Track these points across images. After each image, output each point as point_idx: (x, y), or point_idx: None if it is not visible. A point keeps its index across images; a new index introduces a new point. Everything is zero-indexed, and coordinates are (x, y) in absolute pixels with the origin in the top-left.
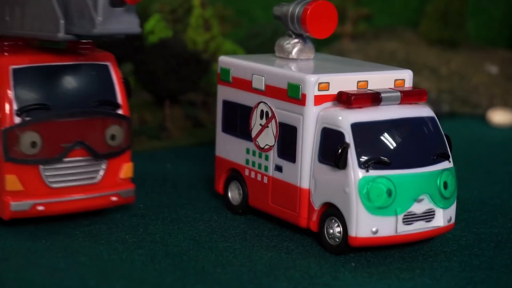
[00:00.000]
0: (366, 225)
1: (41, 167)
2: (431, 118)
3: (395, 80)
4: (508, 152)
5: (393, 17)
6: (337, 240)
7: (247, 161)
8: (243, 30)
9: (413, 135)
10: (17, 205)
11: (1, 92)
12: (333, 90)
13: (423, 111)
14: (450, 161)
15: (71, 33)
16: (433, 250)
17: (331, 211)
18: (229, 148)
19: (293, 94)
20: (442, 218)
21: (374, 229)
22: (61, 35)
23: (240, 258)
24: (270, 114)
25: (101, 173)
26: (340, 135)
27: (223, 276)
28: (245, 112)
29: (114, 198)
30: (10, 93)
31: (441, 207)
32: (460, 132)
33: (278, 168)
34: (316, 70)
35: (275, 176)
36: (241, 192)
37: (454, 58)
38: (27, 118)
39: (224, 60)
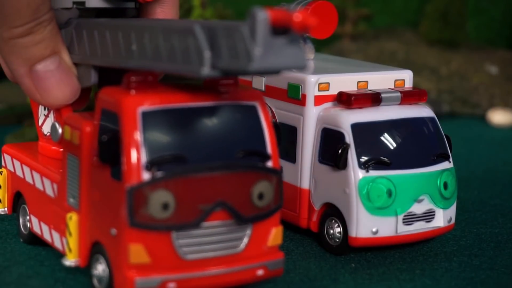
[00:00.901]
0: (366, 225)
1: (173, 234)
2: (431, 119)
3: (395, 81)
4: (508, 152)
5: (393, 17)
6: (337, 240)
7: None
8: None
9: (413, 136)
10: (143, 282)
11: (127, 140)
12: (333, 91)
13: (423, 111)
14: (450, 162)
15: (218, 68)
16: (433, 250)
17: (331, 212)
18: None
19: (293, 95)
20: (442, 218)
21: (374, 230)
22: (206, 70)
23: None
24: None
25: (245, 240)
26: (340, 135)
27: None
28: None
29: (260, 272)
30: (138, 142)
31: (441, 208)
32: (460, 132)
33: None
34: (316, 71)
35: None
36: None
37: (454, 58)
38: (158, 173)
39: None
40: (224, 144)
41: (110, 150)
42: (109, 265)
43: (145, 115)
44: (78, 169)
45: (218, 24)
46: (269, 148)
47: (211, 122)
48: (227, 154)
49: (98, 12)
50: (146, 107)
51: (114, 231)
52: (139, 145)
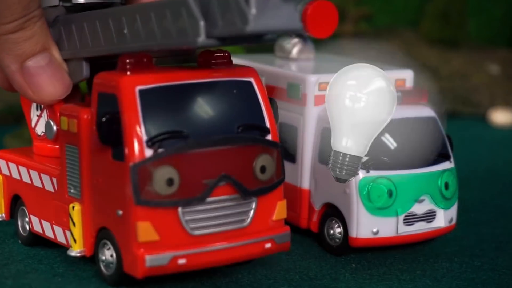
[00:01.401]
0: (367, 225)
1: (180, 209)
2: (432, 118)
3: (396, 80)
4: (510, 152)
5: (393, 17)
6: (338, 240)
7: None
8: None
9: (414, 135)
10: (153, 259)
11: (127, 119)
12: None
13: (423, 111)
14: (451, 162)
15: (214, 36)
16: (434, 251)
17: (332, 212)
18: None
19: (293, 94)
20: (443, 218)
21: (374, 230)
22: (202, 39)
23: None
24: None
25: (251, 214)
26: None
27: (222, 279)
28: None
29: (267, 245)
30: (138, 120)
31: (442, 208)
32: (460, 132)
33: None
34: (316, 70)
35: None
36: None
37: (455, 58)
38: (161, 150)
39: None
40: (224, 119)
41: (111, 130)
42: (116, 248)
43: (143, 93)
44: (78, 157)
45: None
46: (268, 122)
47: (209, 98)
48: (227, 128)
49: (84, 9)
50: (143, 85)
51: (120, 212)
52: (140, 123)
